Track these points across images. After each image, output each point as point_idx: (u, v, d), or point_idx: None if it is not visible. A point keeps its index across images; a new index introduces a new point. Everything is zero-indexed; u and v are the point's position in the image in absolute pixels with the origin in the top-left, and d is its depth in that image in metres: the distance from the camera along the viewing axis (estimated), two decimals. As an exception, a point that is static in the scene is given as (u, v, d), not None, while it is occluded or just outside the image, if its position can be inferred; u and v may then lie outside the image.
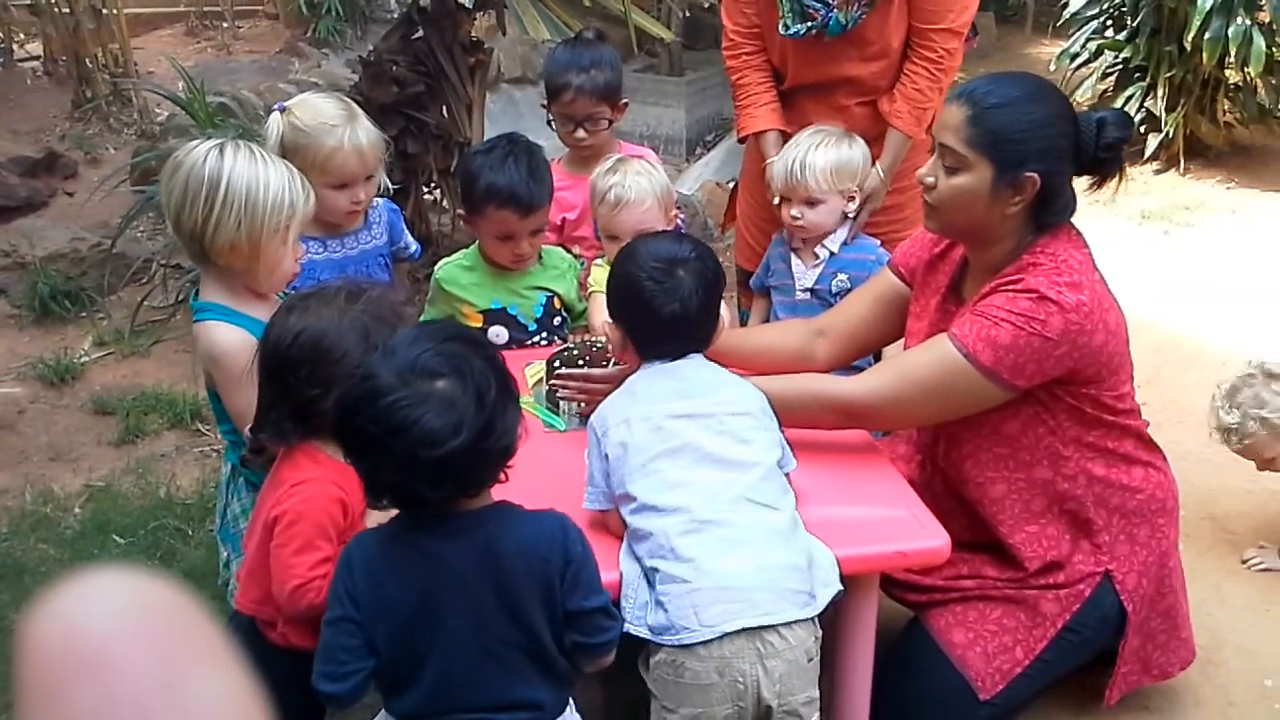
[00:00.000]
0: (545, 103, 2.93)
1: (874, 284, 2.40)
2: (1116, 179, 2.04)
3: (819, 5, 2.75)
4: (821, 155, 2.60)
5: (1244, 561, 2.97)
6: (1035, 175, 1.93)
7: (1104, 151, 1.99)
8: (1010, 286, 1.93)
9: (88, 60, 6.36)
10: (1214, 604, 2.81)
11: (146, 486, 3.32)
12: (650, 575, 1.71)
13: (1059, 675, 2.13)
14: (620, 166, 2.55)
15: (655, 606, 1.69)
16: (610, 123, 2.88)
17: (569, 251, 2.77)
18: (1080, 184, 2.07)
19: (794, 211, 2.65)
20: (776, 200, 2.72)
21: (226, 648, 0.48)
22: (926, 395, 2.00)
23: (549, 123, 2.92)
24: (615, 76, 2.87)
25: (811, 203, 2.63)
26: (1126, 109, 5.92)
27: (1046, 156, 1.93)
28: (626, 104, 2.96)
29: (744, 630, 1.64)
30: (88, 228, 4.87)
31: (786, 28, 2.80)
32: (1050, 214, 1.99)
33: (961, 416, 2.04)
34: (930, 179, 2.03)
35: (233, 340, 2.03)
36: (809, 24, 2.77)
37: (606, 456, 1.80)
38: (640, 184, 2.51)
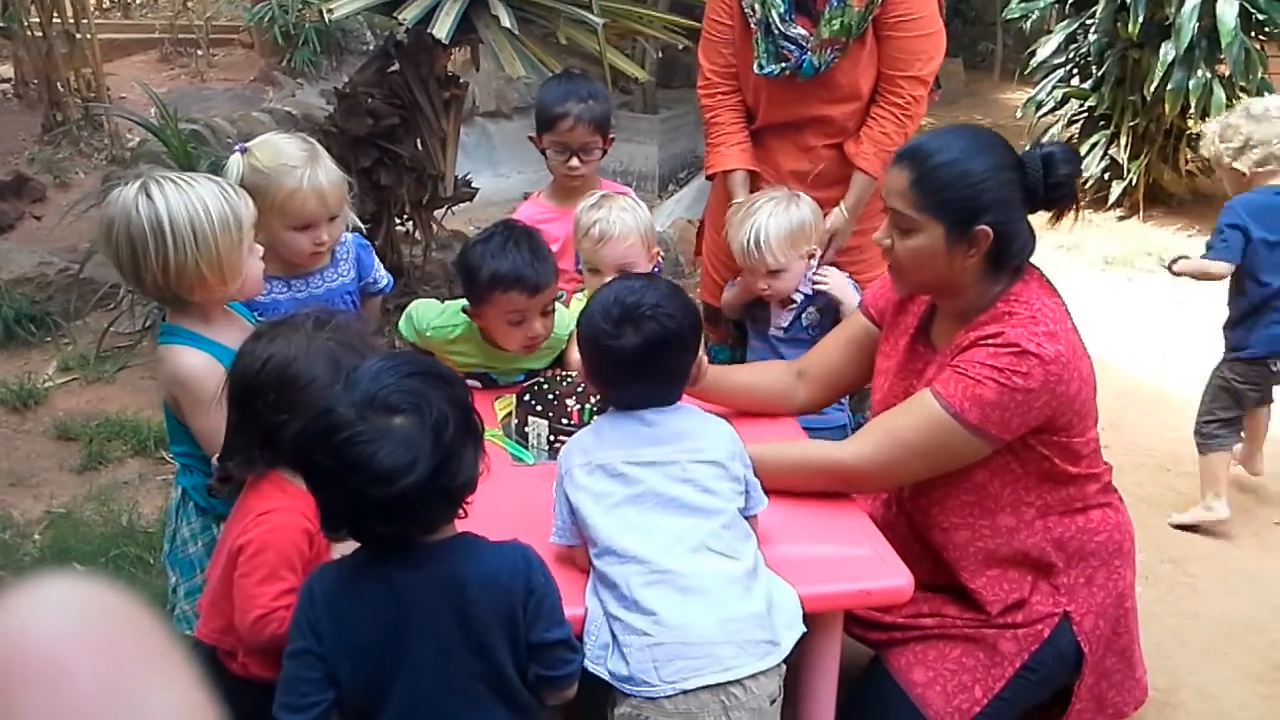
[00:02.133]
0: (534, 134, 2.95)
1: (847, 326, 2.43)
2: (1073, 212, 2.08)
3: (793, 48, 2.81)
4: (775, 226, 2.61)
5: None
6: (986, 228, 1.95)
7: (1054, 189, 2.01)
8: (990, 341, 1.95)
9: (59, 84, 6.34)
10: (1174, 647, 2.84)
11: (108, 514, 3.28)
12: (612, 623, 1.71)
13: (1016, 714, 2.14)
14: (605, 202, 2.58)
15: (617, 654, 1.69)
16: (603, 153, 2.93)
17: None
18: (1039, 220, 2.10)
19: (760, 284, 2.69)
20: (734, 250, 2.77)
21: (177, 655, 0.48)
22: (916, 456, 2.01)
23: (543, 152, 2.94)
24: (609, 109, 2.94)
25: (774, 273, 2.66)
26: (1091, 156, 6.04)
27: (995, 207, 1.96)
28: (614, 139, 3.00)
29: (708, 685, 1.64)
30: (55, 252, 4.84)
31: (761, 67, 2.85)
32: (1009, 258, 2.02)
33: (948, 471, 2.06)
34: (886, 242, 2.06)
35: (197, 364, 2.03)
36: (783, 65, 2.83)
37: (567, 498, 1.80)
38: (624, 220, 2.53)
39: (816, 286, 2.70)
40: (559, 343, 2.54)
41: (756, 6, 2.82)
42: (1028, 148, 2.09)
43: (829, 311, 2.70)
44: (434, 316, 2.51)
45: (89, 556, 3.05)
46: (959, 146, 2.00)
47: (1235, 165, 3.27)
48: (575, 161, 2.87)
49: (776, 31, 2.81)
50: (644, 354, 1.81)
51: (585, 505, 1.77)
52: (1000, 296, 2.02)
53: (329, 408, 1.47)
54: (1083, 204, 6.10)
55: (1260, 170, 3.25)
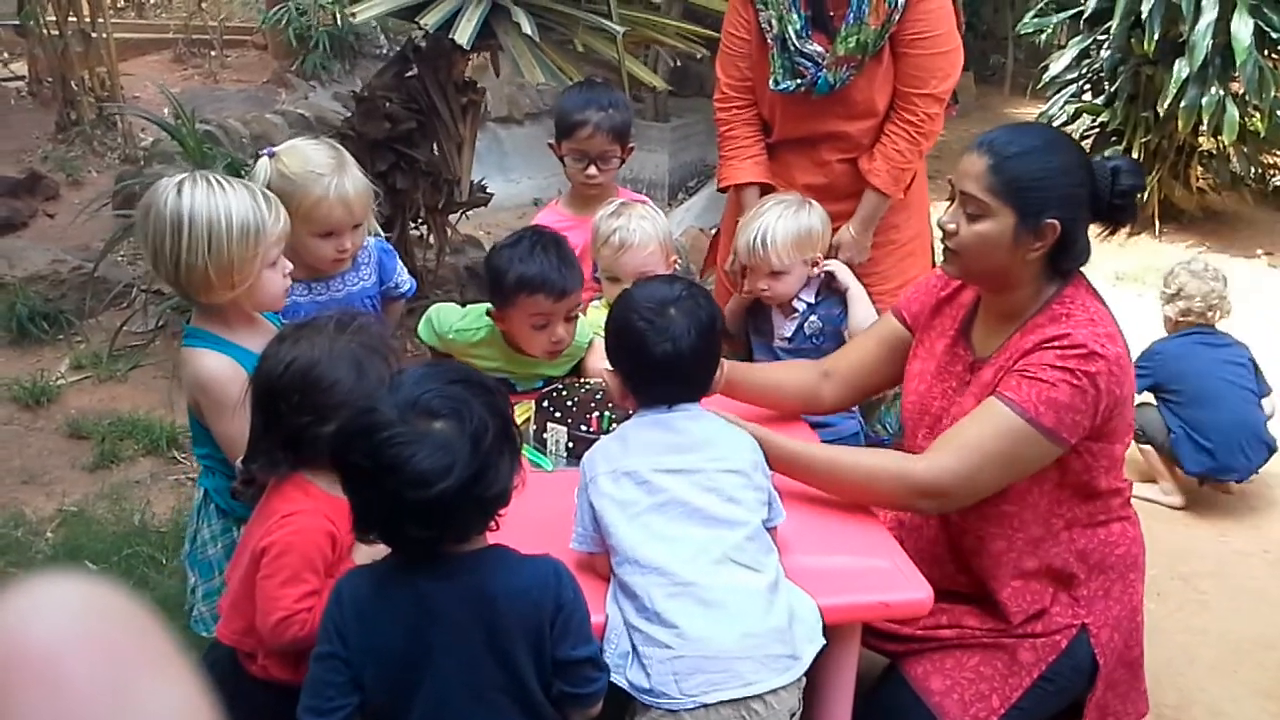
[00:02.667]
0: (553, 140, 2.95)
1: (878, 328, 2.44)
2: (1128, 226, 2.11)
3: (809, 64, 2.82)
4: (782, 228, 2.62)
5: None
6: (1056, 221, 1.96)
7: (1118, 199, 2.03)
8: (1055, 343, 1.95)
9: (73, 83, 6.36)
10: (1183, 663, 2.84)
11: (121, 513, 3.29)
12: (632, 633, 1.71)
13: None
14: (624, 210, 2.60)
15: (637, 665, 1.69)
16: (621, 162, 2.94)
17: None
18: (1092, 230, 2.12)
19: (761, 284, 2.69)
20: (731, 261, 2.78)
21: (178, 656, 0.48)
22: (996, 466, 1.98)
23: (562, 159, 2.95)
24: (629, 118, 2.94)
25: (775, 274, 2.67)
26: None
27: (1066, 203, 1.98)
28: (633, 148, 3.01)
29: (729, 700, 1.64)
30: (68, 250, 4.85)
31: (777, 83, 2.86)
32: (1068, 260, 2.03)
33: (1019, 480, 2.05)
34: (952, 225, 2.07)
35: (217, 368, 2.04)
36: (799, 81, 2.84)
37: (592, 506, 1.80)
38: (644, 228, 2.55)
39: (818, 270, 2.70)
40: (579, 350, 2.54)
41: (774, 22, 2.83)
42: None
43: (832, 319, 2.71)
44: (456, 320, 2.52)
45: (101, 555, 3.05)
46: (1038, 141, 2.03)
47: (1164, 309, 3.81)
48: (593, 170, 2.87)
49: (793, 48, 2.82)
50: (687, 338, 1.82)
51: (609, 513, 1.77)
52: (1055, 299, 2.03)
53: (371, 407, 1.48)
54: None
55: (1181, 319, 3.74)
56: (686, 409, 1.88)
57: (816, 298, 2.73)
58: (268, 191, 2.10)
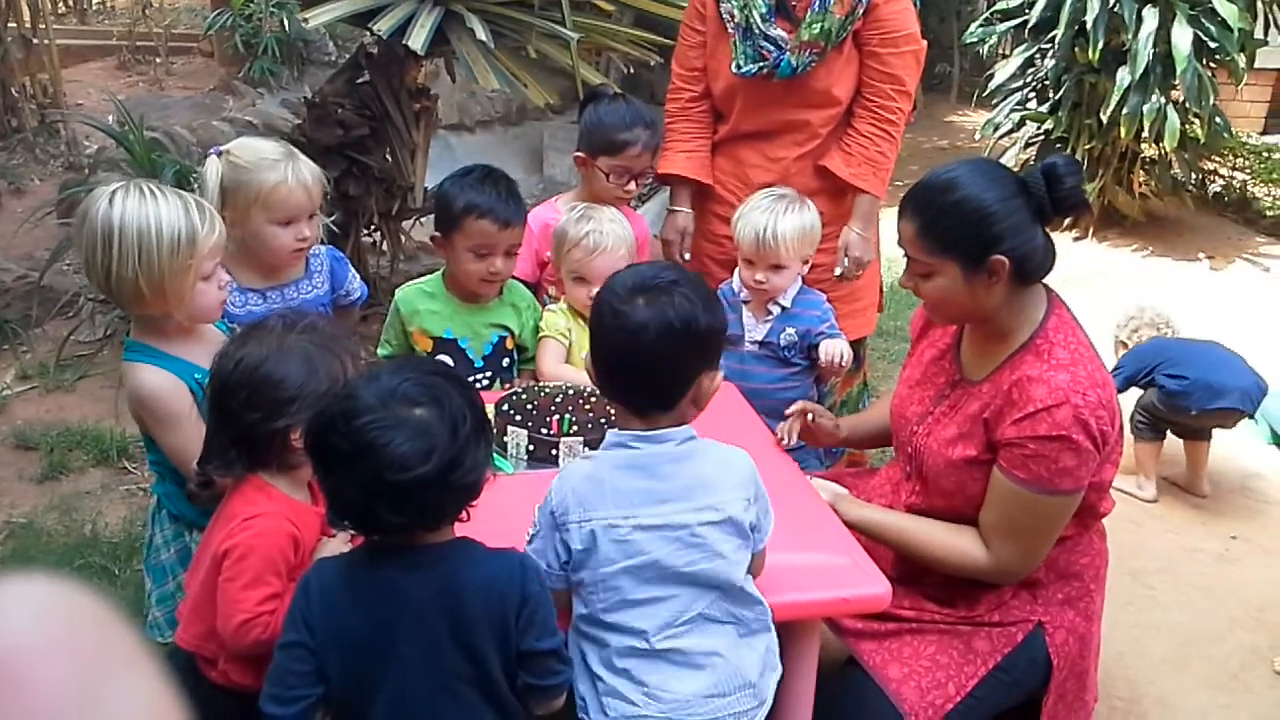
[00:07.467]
0: (583, 154, 2.93)
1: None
2: (1089, 217, 2.15)
3: (772, 48, 2.85)
4: (789, 223, 2.65)
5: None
6: (1001, 257, 1.98)
7: (1061, 202, 2.01)
8: (1039, 409, 1.96)
9: (14, 89, 6.24)
10: (1134, 656, 2.90)
11: (71, 524, 3.24)
12: (595, 682, 1.68)
13: (987, 716, 2.17)
14: (592, 214, 2.63)
15: (599, 711, 1.67)
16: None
17: (545, 293, 2.88)
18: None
19: (759, 276, 2.70)
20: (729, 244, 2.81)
21: (144, 655, 0.48)
22: (1041, 533, 2.07)
23: (580, 170, 2.97)
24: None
25: (777, 268, 2.69)
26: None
27: (1006, 235, 1.98)
28: None
29: None
30: (12, 259, 4.76)
31: (739, 67, 2.90)
32: (1030, 274, 2.05)
33: (972, 504, 2.12)
34: (911, 285, 2.12)
35: (155, 382, 2.01)
36: (761, 64, 2.88)
37: (569, 551, 1.66)
38: (615, 231, 2.60)
39: (806, 267, 2.76)
40: (525, 303, 2.71)
41: (736, 11, 2.87)
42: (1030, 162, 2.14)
43: (808, 335, 2.73)
44: (407, 285, 2.70)
45: (52, 567, 3.00)
46: (958, 189, 2.00)
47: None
48: (633, 185, 2.91)
49: (757, 32, 2.86)
50: (644, 334, 1.63)
51: (582, 567, 1.67)
52: (1039, 333, 2.05)
53: (350, 394, 1.49)
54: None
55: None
56: (668, 440, 1.68)
57: (793, 303, 2.76)
58: (203, 202, 2.05)
